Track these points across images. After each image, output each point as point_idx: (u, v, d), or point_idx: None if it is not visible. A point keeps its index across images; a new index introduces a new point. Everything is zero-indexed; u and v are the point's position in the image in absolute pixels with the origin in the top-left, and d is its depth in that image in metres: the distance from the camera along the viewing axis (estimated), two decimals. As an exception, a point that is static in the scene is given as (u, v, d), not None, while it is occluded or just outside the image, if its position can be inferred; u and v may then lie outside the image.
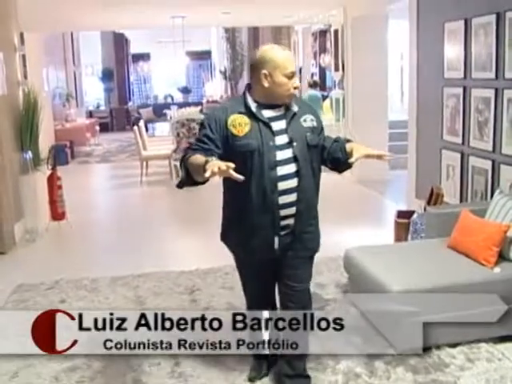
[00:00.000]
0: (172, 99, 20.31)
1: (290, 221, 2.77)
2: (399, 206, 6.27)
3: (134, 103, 20.31)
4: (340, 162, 2.88)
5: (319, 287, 4.45)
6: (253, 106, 2.73)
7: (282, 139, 2.72)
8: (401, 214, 5.42)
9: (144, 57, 21.60)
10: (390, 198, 7.64)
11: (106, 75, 19.10)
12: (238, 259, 3.00)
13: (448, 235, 3.99)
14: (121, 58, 19.74)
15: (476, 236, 3.69)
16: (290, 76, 2.71)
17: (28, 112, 6.55)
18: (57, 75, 13.40)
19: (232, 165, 2.40)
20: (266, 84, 2.70)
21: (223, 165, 2.38)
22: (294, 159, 2.72)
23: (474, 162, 5.18)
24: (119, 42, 19.44)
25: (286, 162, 2.71)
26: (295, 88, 2.74)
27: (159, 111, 17.60)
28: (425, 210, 4.93)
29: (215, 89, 21.18)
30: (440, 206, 5.06)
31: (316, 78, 12.97)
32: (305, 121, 2.81)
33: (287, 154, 2.71)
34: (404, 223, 5.18)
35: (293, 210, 2.75)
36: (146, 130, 10.63)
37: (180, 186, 2.77)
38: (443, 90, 5.64)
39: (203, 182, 2.59)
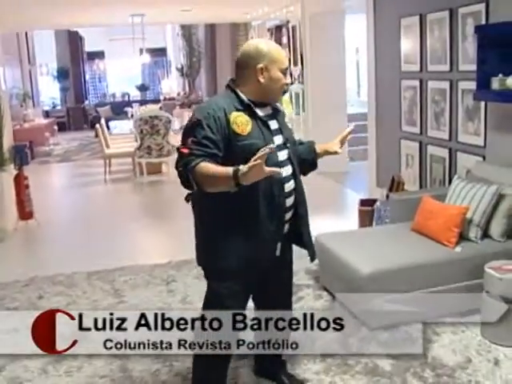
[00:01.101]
0: (128, 97, 20.24)
1: (290, 225, 2.69)
2: (361, 195, 6.52)
3: (90, 102, 20.15)
4: (307, 164, 2.85)
5: (291, 274, 4.64)
6: (248, 103, 2.52)
7: (278, 139, 2.59)
8: (364, 202, 5.67)
9: (99, 55, 21.44)
10: (351, 187, 7.89)
11: (62, 74, 18.90)
12: (227, 272, 2.60)
13: (411, 220, 4.23)
14: (76, 56, 19.54)
15: (437, 219, 3.94)
16: (285, 72, 2.56)
17: (-9, 112, 6.54)
18: (13, 75, 13.24)
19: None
20: (261, 79, 2.51)
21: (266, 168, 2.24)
22: (290, 160, 2.62)
23: (432, 150, 5.46)
24: (74, 40, 19.24)
25: (285, 162, 2.59)
26: (287, 84, 2.60)
27: (117, 109, 17.54)
28: (387, 197, 5.17)
29: (172, 86, 21.20)
30: (402, 192, 5.31)
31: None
32: (286, 121, 2.78)
33: (284, 154, 2.59)
34: (367, 211, 5.41)
35: (292, 213, 2.67)
36: (107, 128, 10.64)
37: (190, 199, 2.56)
38: (401, 82, 5.91)
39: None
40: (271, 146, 2.31)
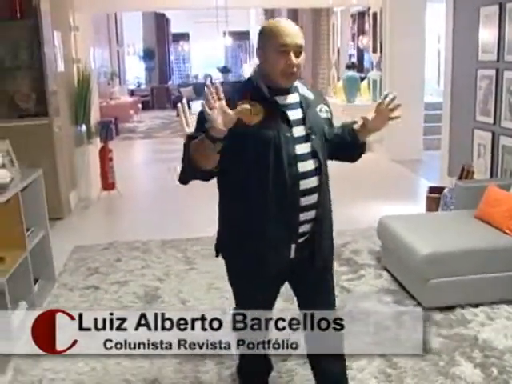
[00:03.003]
0: (211, 79, 20.69)
1: (309, 226, 2.35)
2: (432, 184, 6.56)
3: (174, 82, 20.75)
4: (350, 146, 2.50)
5: (354, 253, 4.82)
6: (265, 90, 2.24)
7: (299, 131, 2.27)
8: (432, 190, 5.74)
9: (184, 36, 22.00)
10: (423, 175, 7.90)
11: (148, 55, 19.57)
12: (239, 270, 2.46)
13: (476, 208, 4.29)
14: (161, 37, 20.17)
15: (500, 207, 3.99)
16: (283, 51, 2.17)
17: (82, 88, 7.02)
18: (102, 54, 13.89)
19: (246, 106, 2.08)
20: (262, 63, 2.27)
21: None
22: (313, 154, 2.29)
23: (505, 141, 5.44)
24: (160, 21, 19.86)
25: (305, 157, 2.27)
26: (291, 66, 2.18)
27: (200, 90, 17.99)
28: (455, 185, 5.22)
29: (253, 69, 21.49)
30: (468, 180, 5.35)
31: (354, 59, 13.17)
32: (320, 111, 2.39)
33: (305, 148, 2.28)
34: (435, 198, 5.48)
35: (312, 214, 2.33)
36: (189, 107, 11.01)
37: (183, 179, 2.35)
38: (477, 72, 5.89)
39: (210, 175, 2.28)
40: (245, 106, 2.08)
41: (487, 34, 5.65)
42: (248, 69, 21.50)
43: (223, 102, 2.01)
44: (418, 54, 8.68)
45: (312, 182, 2.29)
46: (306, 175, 2.27)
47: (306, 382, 3.01)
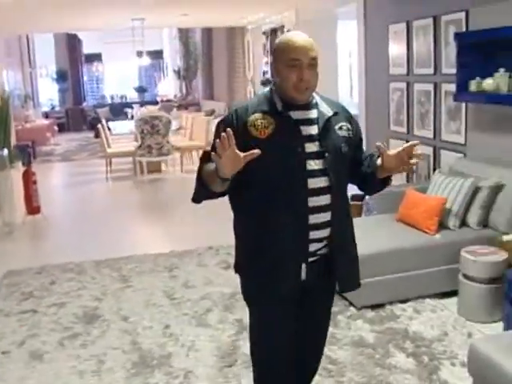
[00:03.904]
0: (126, 99, 20.59)
1: (322, 245, 2.27)
2: (353, 192, 6.86)
3: (88, 103, 20.49)
4: (368, 179, 2.39)
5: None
6: (279, 105, 2.21)
7: (311, 147, 2.20)
8: (355, 198, 6.01)
9: (97, 57, 21.78)
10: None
11: (61, 76, 19.25)
12: (256, 297, 2.35)
13: (396, 211, 4.59)
14: (74, 58, 19.91)
15: (419, 208, 4.31)
16: (294, 65, 2.15)
17: (2, 112, 6.90)
18: (15, 76, 13.59)
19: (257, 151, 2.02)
20: (275, 78, 2.25)
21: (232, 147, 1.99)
22: (325, 172, 2.21)
23: (418, 148, 5.81)
24: (72, 42, 19.60)
25: (316, 173, 2.20)
26: (302, 80, 2.17)
27: (116, 111, 17.89)
28: (376, 191, 5.51)
29: (168, 88, 21.56)
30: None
31: (268, 75, 13.49)
32: (340, 129, 2.29)
33: (317, 164, 2.20)
34: (358, 204, 5.77)
35: (326, 233, 2.24)
36: (108, 128, 10.98)
37: (196, 199, 2.30)
38: (389, 84, 6.28)
39: (223, 194, 2.22)
40: (255, 150, 2.02)
41: (397, 50, 6.05)
42: (163, 88, 21.55)
43: (234, 147, 1.99)
44: (331, 69, 9.09)
45: (323, 199, 2.21)
46: (316, 192, 2.20)
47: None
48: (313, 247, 2.24)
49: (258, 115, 2.18)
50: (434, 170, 5.48)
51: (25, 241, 6.43)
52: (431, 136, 5.57)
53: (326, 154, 2.21)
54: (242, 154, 2.00)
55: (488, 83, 4.35)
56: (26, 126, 13.13)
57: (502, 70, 4.29)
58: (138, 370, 3.36)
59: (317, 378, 3.07)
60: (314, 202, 2.19)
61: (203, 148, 10.19)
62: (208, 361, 3.41)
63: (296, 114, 2.21)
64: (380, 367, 3.24)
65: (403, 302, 4.05)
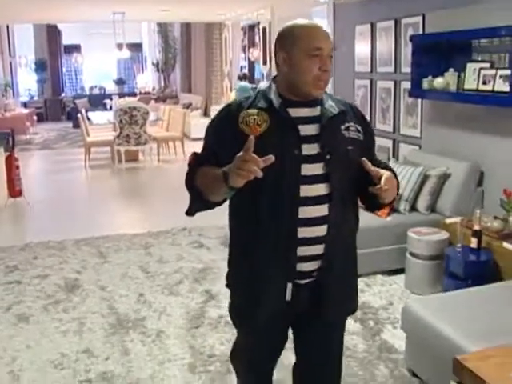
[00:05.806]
0: (104, 91, 20.80)
1: (314, 265, 1.96)
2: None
3: (67, 94, 20.66)
4: (369, 195, 1.93)
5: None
6: (276, 101, 1.93)
7: (310, 148, 1.90)
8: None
9: (76, 48, 21.92)
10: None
11: (39, 66, 19.37)
12: (235, 307, 2.16)
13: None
14: (53, 49, 20.02)
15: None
16: (316, 55, 1.86)
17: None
18: (-5, 65, 13.80)
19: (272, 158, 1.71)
20: (285, 69, 1.93)
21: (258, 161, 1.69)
22: (325, 178, 1.91)
23: (379, 141, 6.26)
24: (52, 33, 19.71)
25: (313, 179, 1.90)
26: (326, 72, 1.89)
27: (95, 102, 18.10)
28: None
29: (147, 81, 21.82)
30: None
31: (245, 70, 13.89)
32: (347, 129, 1.97)
33: (316, 169, 1.90)
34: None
35: (319, 249, 1.94)
36: (88, 118, 11.28)
37: (190, 212, 2.04)
38: (354, 81, 6.72)
39: (219, 203, 1.96)
40: (268, 157, 1.70)
41: (362, 49, 6.49)
42: (142, 80, 21.80)
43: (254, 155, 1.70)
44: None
45: (318, 210, 1.90)
46: (310, 201, 1.89)
47: None
48: (303, 267, 1.94)
49: (251, 111, 1.90)
50: (393, 161, 5.93)
51: (7, 222, 6.76)
52: (391, 130, 6.02)
53: (327, 157, 1.90)
54: (261, 160, 1.69)
55: (438, 82, 4.80)
56: (6, 115, 13.35)
57: (451, 69, 4.75)
58: (116, 330, 3.74)
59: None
60: (306, 212, 1.89)
61: (179, 139, 10.58)
62: (178, 323, 3.82)
63: (295, 112, 1.93)
64: (330, 328, 3.67)
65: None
